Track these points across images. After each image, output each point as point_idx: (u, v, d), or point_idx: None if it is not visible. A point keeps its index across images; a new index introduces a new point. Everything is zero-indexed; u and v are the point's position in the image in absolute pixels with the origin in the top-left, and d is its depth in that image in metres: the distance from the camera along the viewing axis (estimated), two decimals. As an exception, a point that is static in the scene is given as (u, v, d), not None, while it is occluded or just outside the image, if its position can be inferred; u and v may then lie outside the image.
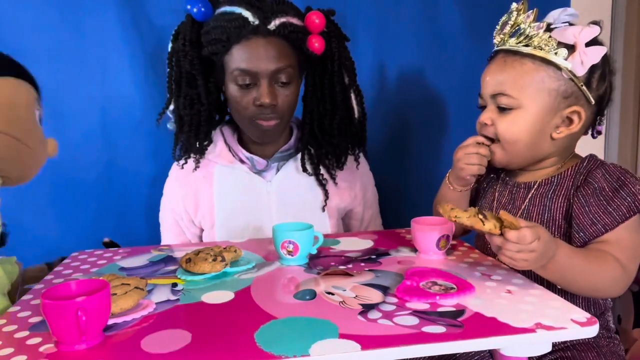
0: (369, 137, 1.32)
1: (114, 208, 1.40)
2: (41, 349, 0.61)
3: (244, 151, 1.20)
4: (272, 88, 1.10)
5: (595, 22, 0.88)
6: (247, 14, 1.07)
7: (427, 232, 0.90)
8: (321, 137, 1.21)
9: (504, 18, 0.92)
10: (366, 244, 1.01)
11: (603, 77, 0.89)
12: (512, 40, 0.90)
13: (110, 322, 0.65)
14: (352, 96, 1.23)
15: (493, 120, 0.93)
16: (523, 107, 0.89)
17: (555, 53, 0.86)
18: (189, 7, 1.11)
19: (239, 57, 1.08)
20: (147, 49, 1.36)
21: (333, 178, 1.23)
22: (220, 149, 1.20)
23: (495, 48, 0.95)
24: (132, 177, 1.41)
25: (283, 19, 1.09)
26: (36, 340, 0.63)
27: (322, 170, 1.22)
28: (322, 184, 1.21)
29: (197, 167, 1.20)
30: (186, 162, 1.21)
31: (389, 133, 1.50)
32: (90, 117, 1.37)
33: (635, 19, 1.49)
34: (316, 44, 1.12)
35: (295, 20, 1.11)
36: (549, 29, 0.87)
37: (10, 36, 1.29)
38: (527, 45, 0.88)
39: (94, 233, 1.38)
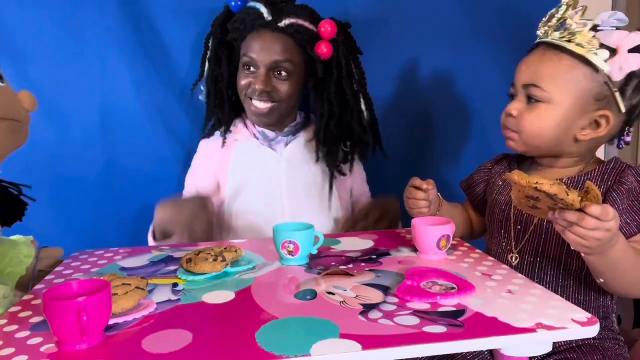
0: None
1: (114, 208, 1.40)
2: (42, 348, 0.61)
3: (255, 126, 1.31)
4: (269, 77, 1.21)
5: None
6: (263, 10, 1.22)
7: (427, 232, 0.90)
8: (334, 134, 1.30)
9: (552, 10, 0.91)
10: (366, 243, 1.01)
11: (639, 87, 0.87)
12: (556, 34, 0.89)
13: (111, 322, 0.66)
14: (362, 102, 1.30)
15: (520, 111, 0.93)
16: (553, 102, 0.89)
17: (596, 53, 0.84)
18: (232, 4, 1.28)
19: (248, 45, 1.23)
20: (147, 49, 1.36)
21: (342, 173, 1.31)
22: (241, 126, 1.33)
23: (538, 39, 0.93)
24: (132, 177, 1.40)
25: (293, 20, 1.21)
26: (37, 340, 0.63)
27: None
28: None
29: (224, 142, 1.30)
30: (212, 134, 1.34)
31: (401, 136, 1.49)
32: (90, 116, 1.37)
33: (636, 19, 1.49)
34: (324, 49, 1.22)
35: (306, 24, 1.23)
36: (594, 29, 0.86)
37: (10, 36, 1.29)
38: (569, 41, 0.87)
39: (94, 233, 1.38)
